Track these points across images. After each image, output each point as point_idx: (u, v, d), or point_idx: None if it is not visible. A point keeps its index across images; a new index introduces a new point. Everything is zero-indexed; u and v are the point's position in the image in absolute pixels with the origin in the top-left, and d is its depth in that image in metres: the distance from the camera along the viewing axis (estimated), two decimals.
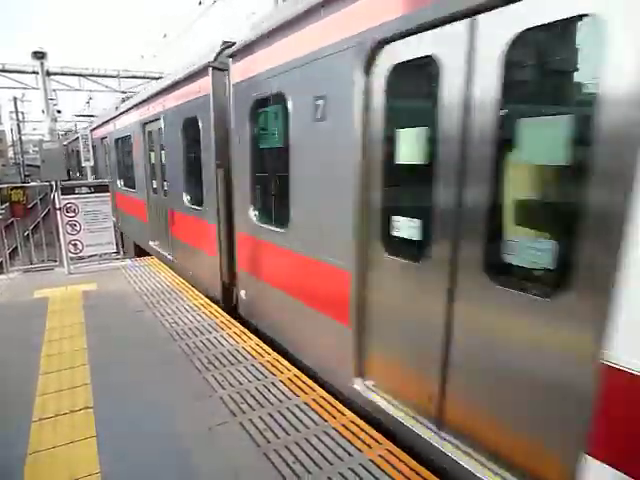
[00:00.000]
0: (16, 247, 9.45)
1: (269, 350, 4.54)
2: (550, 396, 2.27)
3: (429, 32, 2.72)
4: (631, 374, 1.85)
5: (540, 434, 2.34)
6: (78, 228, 8.05)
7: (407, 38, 2.88)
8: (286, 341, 4.67)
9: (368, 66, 3.18)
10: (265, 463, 2.88)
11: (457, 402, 2.80)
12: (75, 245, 8.07)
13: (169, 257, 8.24)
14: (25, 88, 21.89)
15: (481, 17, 2.41)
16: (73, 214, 7.98)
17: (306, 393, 3.72)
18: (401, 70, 3.02)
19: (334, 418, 3.35)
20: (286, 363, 4.26)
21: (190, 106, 6.42)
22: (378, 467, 2.82)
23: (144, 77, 22.37)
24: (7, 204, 7.72)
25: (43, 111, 15.88)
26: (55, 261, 8.43)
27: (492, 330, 2.53)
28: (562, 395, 2.21)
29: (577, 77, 2.37)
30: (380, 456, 2.91)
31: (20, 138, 41.17)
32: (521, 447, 2.45)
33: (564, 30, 2.25)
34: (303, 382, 3.90)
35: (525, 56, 2.49)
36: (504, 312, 2.46)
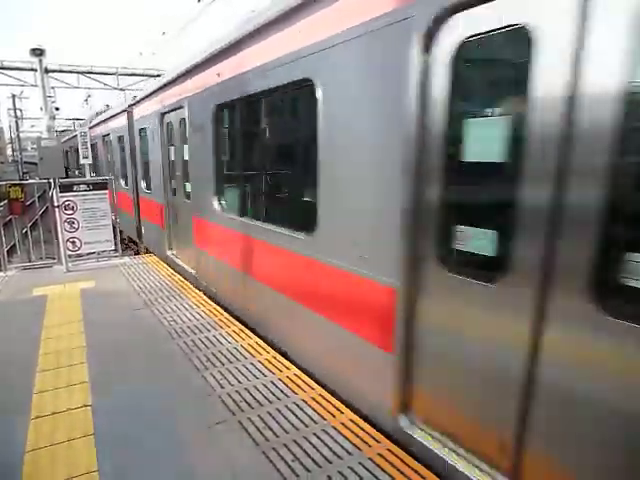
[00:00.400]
0: (14, 244, 9.43)
1: (268, 348, 4.54)
2: None
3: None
4: None
5: None
6: (76, 226, 8.03)
7: (175, 111, 7.05)
8: (150, 245, 9.78)
9: (161, 119, 7.60)
10: (264, 462, 2.87)
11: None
12: (73, 243, 8.05)
13: (118, 222, 12.65)
14: (23, 85, 21.80)
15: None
16: (71, 211, 7.96)
17: (305, 391, 3.71)
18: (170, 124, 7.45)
19: (333, 416, 3.34)
20: (285, 361, 4.25)
21: (120, 129, 11.35)
22: (377, 466, 2.81)
23: (143, 75, 22.28)
24: (5, 202, 7.70)
25: (41, 108, 15.82)
26: (53, 259, 8.41)
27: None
28: None
29: None
30: (379, 455, 2.91)
31: (18, 135, 41.04)
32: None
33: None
34: (302, 380, 3.89)
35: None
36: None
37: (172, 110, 7.16)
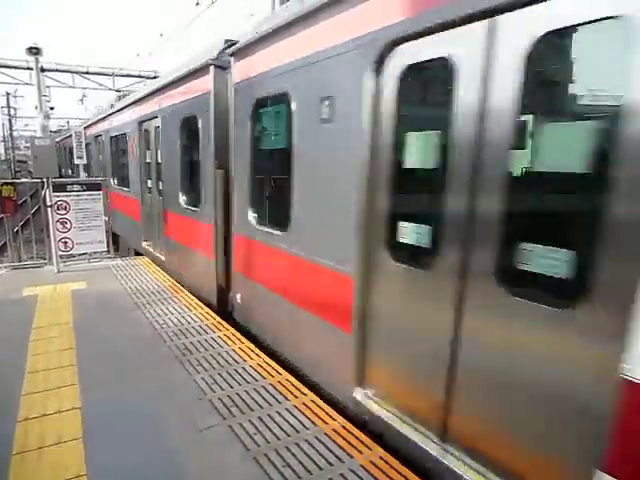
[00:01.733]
0: (5, 243, 9.33)
1: (260, 353, 4.51)
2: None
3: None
4: None
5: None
6: (69, 226, 7.97)
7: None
8: (118, 229, 11.03)
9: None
10: (254, 467, 2.85)
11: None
12: (65, 243, 7.98)
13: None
14: (18, 84, 21.69)
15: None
16: (64, 211, 7.90)
17: (296, 397, 3.69)
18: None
19: (325, 423, 3.33)
20: (276, 366, 4.23)
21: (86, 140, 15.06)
22: (369, 473, 2.80)
23: (139, 76, 22.24)
24: None
25: (36, 107, 15.74)
26: (44, 258, 8.34)
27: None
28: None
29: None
30: (371, 462, 2.89)
31: (11, 134, 40.76)
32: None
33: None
34: (294, 386, 3.87)
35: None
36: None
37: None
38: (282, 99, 4.20)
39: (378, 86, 3.08)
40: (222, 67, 5.44)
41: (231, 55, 5.16)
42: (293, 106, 3.98)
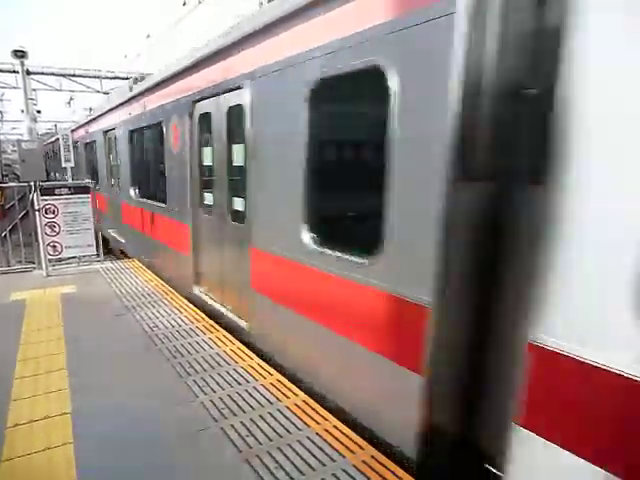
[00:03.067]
0: None
1: (251, 355, 4.51)
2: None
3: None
4: None
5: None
6: (57, 229, 7.90)
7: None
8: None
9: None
10: (247, 469, 2.85)
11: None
12: (54, 247, 7.91)
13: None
14: (4, 87, 21.49)
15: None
16: (52, 215, 7.82)
17: (288, 398, 3.69)
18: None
19: (317, 423, 3.33)
20: (268, 367, 4.23)
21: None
22: (361, 473, 2.80)
23: (127, 78, 22.08)
24: None
25: (22, 111, 15.58)
26: (33, 262, 8.25)
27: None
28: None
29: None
30: (363, 462, 2.90)
31: None
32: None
33: None
34: (285, 387, 3.87)
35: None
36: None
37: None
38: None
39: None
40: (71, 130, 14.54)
41: (72, 131, 14.68)
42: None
